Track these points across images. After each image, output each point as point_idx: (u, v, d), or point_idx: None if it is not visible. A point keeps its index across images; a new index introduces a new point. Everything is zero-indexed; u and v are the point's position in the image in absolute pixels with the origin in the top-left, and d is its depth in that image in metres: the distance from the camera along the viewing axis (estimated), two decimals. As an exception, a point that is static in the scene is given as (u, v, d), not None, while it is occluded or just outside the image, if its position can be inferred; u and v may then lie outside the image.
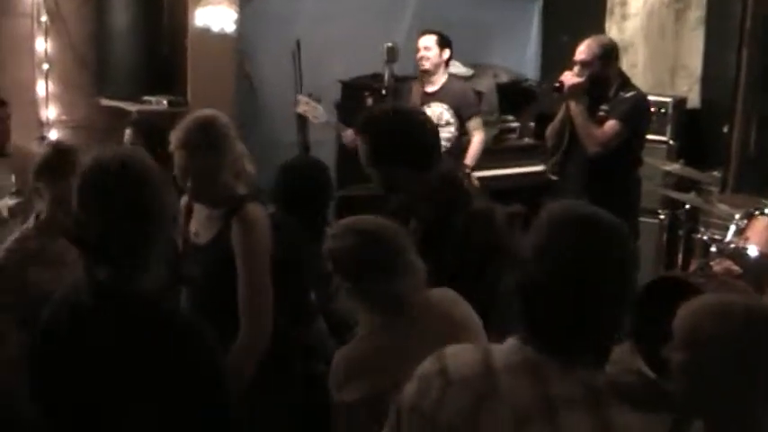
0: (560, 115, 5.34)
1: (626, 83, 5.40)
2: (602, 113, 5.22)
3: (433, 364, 1.90)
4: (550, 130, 5.50)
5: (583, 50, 5.24)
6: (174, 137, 3.28)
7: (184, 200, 3.52)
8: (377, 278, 2.73)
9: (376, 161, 3.40)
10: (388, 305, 2.73)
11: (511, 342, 1.83)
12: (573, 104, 5.20)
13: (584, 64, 5.21)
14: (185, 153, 3.25)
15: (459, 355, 1.89)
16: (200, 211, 3.47)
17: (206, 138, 3.25)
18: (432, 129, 3.59)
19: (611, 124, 5.16)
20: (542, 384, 1.74)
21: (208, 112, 3.39)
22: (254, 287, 3.25)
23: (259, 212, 3.32)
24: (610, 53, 5.31)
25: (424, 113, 4.10)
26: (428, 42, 6.22)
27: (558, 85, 5.24)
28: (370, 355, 2.73)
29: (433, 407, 1.82)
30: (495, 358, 1.82)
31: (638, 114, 5.33)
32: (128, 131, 4.93)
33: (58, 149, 3.68)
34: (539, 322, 1.77)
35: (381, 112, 3.68)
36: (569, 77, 5.20)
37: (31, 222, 3.72)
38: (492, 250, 3.20)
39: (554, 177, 5.59)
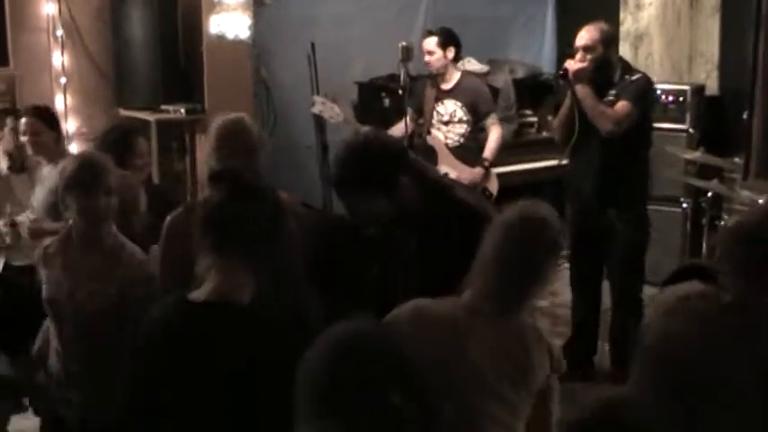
0: (567, 103, 5.31)
1: (629, 67, 5.40)
2: (610, 98, 5.19)
3: None
4: (557, 121, 5.49)
5: (584, 36, 5.22)
6: None
7: None
8: None
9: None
10: None
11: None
12: (580, 88, 5.18)
13: (586, 49, 5.19)
14: None
15: None
16: None
17: None
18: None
19: (622, 104, 5.14)
20: None
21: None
22: None
23: None
24: (610, 37, 5.31)
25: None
26: (429, 45, 6.17)
27: (562, 72, 5.24)
28: None
29: None
30: None
31: (647, 95, 5.35)
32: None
33: (86, 164, 3.54)
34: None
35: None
36: (573, 64, 5.21)
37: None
38: None
39: (564, 161, 5.59)
